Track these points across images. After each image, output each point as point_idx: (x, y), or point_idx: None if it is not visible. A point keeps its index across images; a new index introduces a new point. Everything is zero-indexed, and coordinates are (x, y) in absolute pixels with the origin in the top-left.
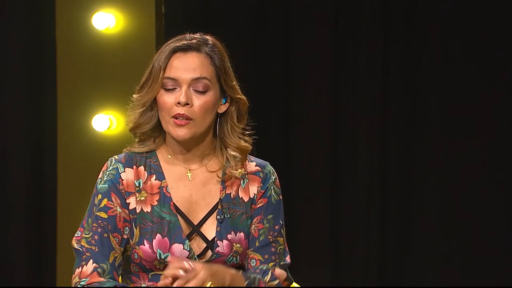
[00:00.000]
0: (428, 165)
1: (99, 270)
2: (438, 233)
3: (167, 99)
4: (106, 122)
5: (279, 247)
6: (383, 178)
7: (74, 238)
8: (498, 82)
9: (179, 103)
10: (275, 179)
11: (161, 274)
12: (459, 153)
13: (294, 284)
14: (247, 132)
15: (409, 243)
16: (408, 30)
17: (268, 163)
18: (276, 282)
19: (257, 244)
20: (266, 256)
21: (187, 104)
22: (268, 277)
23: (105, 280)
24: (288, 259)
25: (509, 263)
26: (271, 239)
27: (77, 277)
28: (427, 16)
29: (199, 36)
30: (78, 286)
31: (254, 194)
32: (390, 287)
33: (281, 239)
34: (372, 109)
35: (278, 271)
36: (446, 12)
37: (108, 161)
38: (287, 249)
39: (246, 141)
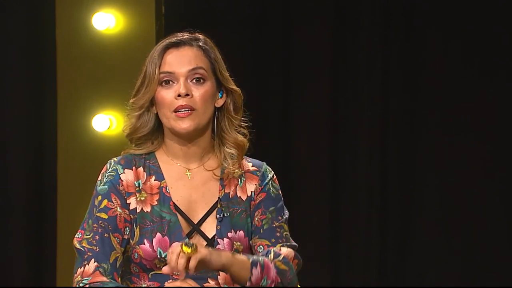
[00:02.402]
0: (428, 165)
1: (101, 269)
2: (438, 233)
3: (166, 94)
4: (106, 122)
5: (284, 232)
6: (383, 178)
7: (75, 238)
8: (498, 82)
9: (179, 95)
10: (272, 176)
11: (161, 273)
12: (459, 153)
13: None
14: (244, 125)
15: (409, 243)
16: (408, 30)
17: (264, 163)
18: (282, 257)
19: (262, 231)
20: (273, 240)
21: (187, 95)
22: (271, 255)
23: (107, 280)
24: (294, 243)
25: (509, 263)
26: (275, 225)
27: (79, 276)
28: (427, 16)
29: (189, 33)
30: (80, 285)
31: (252, 191)
32: (390, 287)
33: (286, 226)
34: (372, 109)
35: (284, 249)
36: (446, 12)
37: (107, 163)
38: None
39: (243, 134)
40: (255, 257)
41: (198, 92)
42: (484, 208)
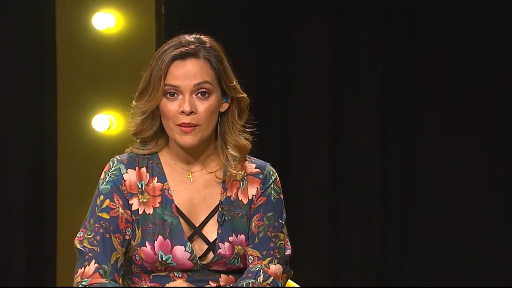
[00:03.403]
0: (428, 165)
1: (100, 271)
2: (438, 233)
3: (170, 107)
4: (106, 122)
5: (279, 242)
6: (383, 178)
7: (76, 238)
8: (498, 82)
9: (183, 111)
10: (275, 179)
11: (162, 275)
12: (459, 153)
13: (294, 284)
14: (248, 130)
15: (409, 243)
16: (408, 30)
17: (268, 164)
18: (271, 279)
19: (256, 240)
20: (264, 252)
21: (191, 112)
22: (261, 278)
23: (106, 281)
24: (288, 252)
25: (509, 263)
26: (270, 235)
27: (79, 277)
28: (427, 16)
29: (195, 39)
30: (80, 286)
31: (253, 195)
32: (390, 287)
33: (282, 235)
34: (372, 109)
35: (273, 267)
36: (446, 12)
37: (110, 161)
38: (289, 246)
39: (246, 138)
40: (244, 284)
41: (202, 106)
42: (484, 208)
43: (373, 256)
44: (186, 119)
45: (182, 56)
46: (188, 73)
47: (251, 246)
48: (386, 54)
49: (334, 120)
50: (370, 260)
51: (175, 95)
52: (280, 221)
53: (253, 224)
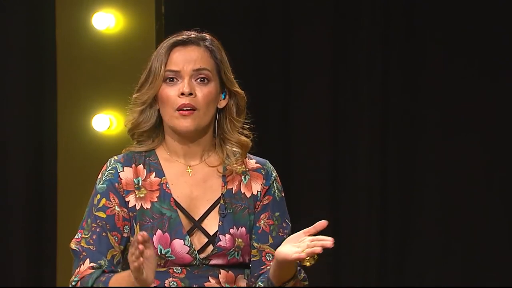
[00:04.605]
0: (428, 165)
1: (94, 264)
2: (438, 233)
3: (170, 92)
4: (106, 122)
5: None
6: (383, 178)
7: (73, 240)
8: (498, 82)
9: (182, 93)
10: (276, 176)
11: (161, 270)
12: (459, 153)
13: None
14: (247, 127)
15: (409, 243)
16: (408, 30)
17: (267, 161)
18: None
19: (271, 240)
20: None
21: (190, 94)
22: (302, 275)
23: (94, 271)
24: None
25: (509, 263)
26: (284, 236)
27: (73, 276)
28: (427, 16)
29: (197, 33)
30: (72, 283)
31: (258, 191)
32: (390, 287)
33: None
34: (372, 109)
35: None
36: (446, 12)
37: (107, 161)
38: None
39: (246, 136)
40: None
41: (201, 92)
42: (484, 208)
43: (373, 256)
44: (185, 100)
45: (184, 43)
46: (188, 58)
47: (268, 244)
48: (386, 54)
49: (334, 120)
50: (370, 260)
51: (175, 80)
52: (287, 221)
53: (262, 221)
